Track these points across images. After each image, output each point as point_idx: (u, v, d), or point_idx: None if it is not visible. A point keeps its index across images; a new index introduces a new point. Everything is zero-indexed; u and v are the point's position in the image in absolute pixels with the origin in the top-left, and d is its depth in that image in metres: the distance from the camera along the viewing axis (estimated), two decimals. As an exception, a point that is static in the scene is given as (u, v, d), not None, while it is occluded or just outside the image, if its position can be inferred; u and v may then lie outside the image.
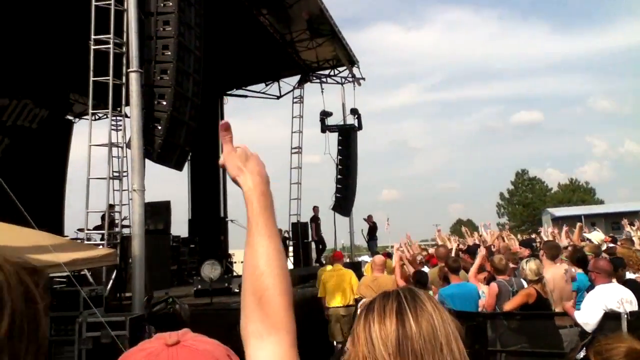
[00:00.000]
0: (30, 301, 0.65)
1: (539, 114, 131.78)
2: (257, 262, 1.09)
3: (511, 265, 6.63)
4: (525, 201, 63.80)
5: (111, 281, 8.91)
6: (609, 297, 5.16)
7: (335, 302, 9.26)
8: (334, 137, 20.09)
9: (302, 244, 18.46)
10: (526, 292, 5.50)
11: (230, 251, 20.57)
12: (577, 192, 62.94)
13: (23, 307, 0.64)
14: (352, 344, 1.12)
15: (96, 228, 10.17)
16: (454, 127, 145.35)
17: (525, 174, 66.87)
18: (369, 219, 19.85)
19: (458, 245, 11.28)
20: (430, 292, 6.50)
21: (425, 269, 8.00)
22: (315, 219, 18.67)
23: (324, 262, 16.83)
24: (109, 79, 8.83)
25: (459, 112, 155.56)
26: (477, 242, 11.67)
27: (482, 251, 6.77)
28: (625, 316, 5.01)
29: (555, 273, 6.29)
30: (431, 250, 9.75)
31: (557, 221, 44.43)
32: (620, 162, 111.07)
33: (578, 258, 6.72)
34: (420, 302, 1.10)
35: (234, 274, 17.63)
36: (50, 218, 15.55)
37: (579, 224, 10.70)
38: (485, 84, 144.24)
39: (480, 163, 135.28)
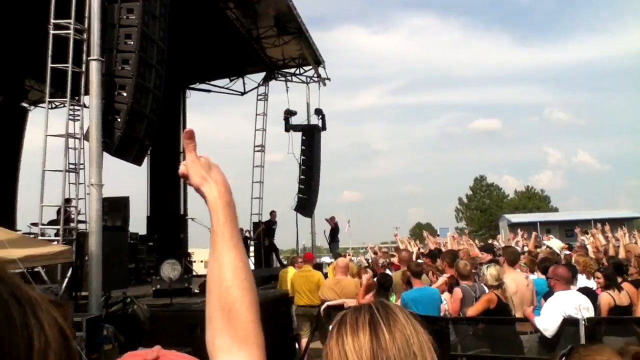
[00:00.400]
0: (64, 338, 0.59)
1: (497, 121, 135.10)
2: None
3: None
4: (483, 207, 65.13)
5: (66, 279, 8.54)
6: (568, 303, 5.24)
7: (303, 301, 9.24)
8: (297, 136, 20.00)
9: (263, 244, 18.24)
10: (487, 298, 5.53)
11: (190, 250, 20.20)
12: (533, 199, 64.63)
13: (60, 348, 0.57)
14: (326, 359, 1.09)
15: (51, 223, 9.75)
16: (415, 131, 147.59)
17: (483, 180, 68.31)
18: (330, 220, 19.81)
19: (419, 249, 11.35)
20: (394, 296, 6.47)
21: (388, 272, 7.98)
22: (271, 224, 18.48)
23: (285, 263, 16.73)
24: (67, 67, 8.46)
25: (421, 117, 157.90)
26: (437, 246, 11.77)
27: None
28: (583, 322, 5.08)
29: (516, 278, 6.35)
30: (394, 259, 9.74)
31: (514, 227, 45.47)
32: (574, 171, 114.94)
33: (544, 266, 6.80)
34: (393, 313, 1.09)
35: (194, 273, 17.32)
36: (1, 210, 14.94)
37: (534, 233, 10.93)
38: (447, 90, 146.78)
39: (440, 168, 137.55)
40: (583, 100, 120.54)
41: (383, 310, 1.09)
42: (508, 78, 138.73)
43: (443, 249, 10.31)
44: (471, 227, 62.43)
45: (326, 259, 23.08)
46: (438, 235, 20.96)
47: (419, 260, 7.73)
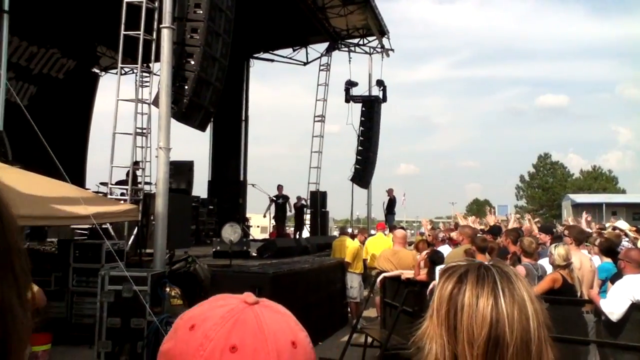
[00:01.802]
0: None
1: (565, 97, 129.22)
2: None
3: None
4: (546, 185, 62.92)
5: (132, 237, 9.00)
6: (637, 287, 5.06)
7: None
8: (357, 107, 19.89)
9: (320, 212, 18.46)
10: (552, 277, 5.41)
11: (248, 215, 20.71)
12: (599, 180, 61.86)
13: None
14: (435, 316, 1.05)
15: (119, 183, 10.24)
16: (477, 105, 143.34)
17: (547, 157, 65.86)
18: (389, 192, 19.77)
19: (481, 224, 11.20)
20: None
21: (446, 248, 7.94)
22: (277, 198, 17.48)
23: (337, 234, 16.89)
24: (139, 34, 8.75)
25: (484, 91, 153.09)
26: (498, 223, 11.57)
27: None
28: (653, 309, 4.92)
29: (582, 259, 6.19)
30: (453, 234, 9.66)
31: (578, 208, 43.89)
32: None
33: (607, 247, 6.59)
34: (512, 276, 1.06)
35: (251, 238, 17.78)
36: (73, 170, 15.73)
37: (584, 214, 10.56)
38: (513, 63, 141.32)
39: (501, 144, 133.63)
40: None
41: (503, 273, 1.06)
42: (579, 52, 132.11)
43: (502, 228, 10.13)
44: (532, 206, 60.68)
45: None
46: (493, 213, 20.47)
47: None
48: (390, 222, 18.87)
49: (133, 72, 9.82)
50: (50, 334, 6.28)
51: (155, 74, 9.47)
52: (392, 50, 19.69)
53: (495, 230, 9.32)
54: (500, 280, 1.04)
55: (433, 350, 1.02)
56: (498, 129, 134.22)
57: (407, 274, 6.66)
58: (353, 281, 10.14)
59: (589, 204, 44.19)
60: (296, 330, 0.77)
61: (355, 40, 20.05)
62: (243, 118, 20.77)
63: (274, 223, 18.26)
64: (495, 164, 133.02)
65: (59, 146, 13.47)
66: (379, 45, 19.56)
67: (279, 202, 16.44)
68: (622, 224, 10.09)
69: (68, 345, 7.36)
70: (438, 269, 1.22)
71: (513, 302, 1.01)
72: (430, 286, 5.96)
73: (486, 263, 1.10)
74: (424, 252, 6.99)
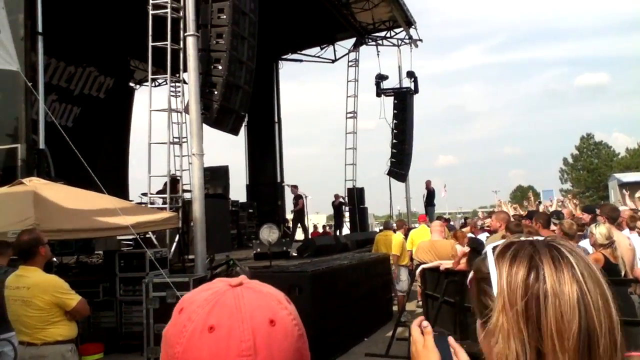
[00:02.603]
0: None
1: (605, 75, 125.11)
2: None
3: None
4: (590, 166, 61.05)
5: (174, 244, 9.19)
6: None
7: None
8: (389, 101, 19.77)
9: (358, 209, 18.42)
10: (594, 257, 5.23)
11: (288, 216, 20.83)
12: (647, 157, 59.68)
13: None
14: (509, 309, 0.90)
15: (158, 192, 10.47)
16: (514, 90, 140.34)
17: (590, 138, 63.89)
18: (428, 184, 19.57)
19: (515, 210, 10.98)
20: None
21: (485, 235, 7.81)
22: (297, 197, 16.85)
23: (380, 228, 16.81)
24: (166, 44, 8.92)
25: (521, 75, 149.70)
26: (541, 208, 11.32)
27: None
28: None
29: (619, 237, 5.98)
30: (488, 220, 9.50)
31: (625, 187, 42.40)
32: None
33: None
34: (587, 259, 0.95)
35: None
36: (116, 183, 16.18)
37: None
38: (549, 45, 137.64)
39: (542, 127, 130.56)
40: None
41: (574, 252, 0.94)
42: (617, 27, 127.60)
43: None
44: (577, 189, 58.97)
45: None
46: (539, 203, 20.05)
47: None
48: (430, 214, 18.69)
49: (165, 83, 10.01)
50: (102, 344, 6.49)
51: (185, 83, 9.64)
52: (420, 40, 19.51)
53: (532, 216, 9.10)
54: (577, 262, 0.92)
55: (512, 348, 0.87)
56: (538, 113, 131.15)
57: (446, 264, 6.57)
58: (401, 274, 10.09)
59: (636, 182, 42.62)
60: (276, 308, 0.78)
61: (383, 34, 19.91)
62: (276, 120, 20.92)
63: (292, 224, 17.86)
64: (537, 148, 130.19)
65: (102, 161, 13.95)
66: (407, 37, 19.39)
67: (300, 200, 16.32)
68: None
69: (119, 353, 7.57)
70: (489, 251, 0.98)
71: (595, 287, 0.90)
72: (470, 275, 5.87)
73: (548, 240, 0.97)
74: (465, 247, 6.88)
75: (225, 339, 0.73)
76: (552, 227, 6.77)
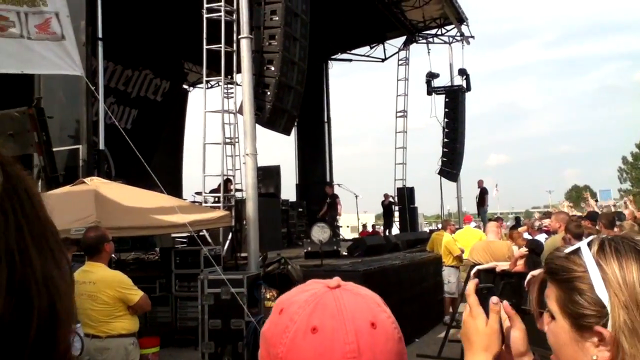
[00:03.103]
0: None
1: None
2: None
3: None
4: (652, 165, 58.51)
5: (227, 242, 9.37)
6: None
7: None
8: (440, 99, 19.51)
9: (408, 209, 18.26)
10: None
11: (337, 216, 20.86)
12: None
13: None
14: (633, 306, 0.87)
15: (212, 192, 10.70)
16: (570, 86, 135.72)
17: (652, 135, 61.16)
18: (480, 184, 19.22)
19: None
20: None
21: (543, 237, 7.59)
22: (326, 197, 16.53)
23: (439, 227, 16.62)
24: (220, 47, 9.10)
25: (576, 71, 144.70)
26: (596, 209, 10.92)
27: None
28: None
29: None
30: (546, 221, 9.24)
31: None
32: None
33: None
34: None
35: (341, 237, 17.90)
36: (170, 182, 16.63)
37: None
38: (606, 39, 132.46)
39: (599, 125, 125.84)
40: None
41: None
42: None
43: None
44: (637, 188, 56.48)
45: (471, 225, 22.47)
46: (596, 201, 19.32)
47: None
48: (482, 214, 18.34)
49: (218, 85, 10.24)
50: (158, 338, 6.67)
51: (238, 84, 9.82)
52: (472, 37, 19.18)
53: (592, 216, 8.79)
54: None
55: None
56: (594, 110, 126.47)
57: (502, 265, 6.43)
58: (450, 275, 9.94)
59: None
60: (376, 311, 0.79)
61: (433, 31, 19.66)
62: (325, 119, 21.00)
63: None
64: (594, 147, 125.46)
65: (158, 161, 14.35)
66: (458, 34, 19.08)
67: (328, 201, 16.01)
68: None
69: (175, 347, 7.77)
70: (584, 248, 0.93)
71: None
72: (529, 277, 5.72)
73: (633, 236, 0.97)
74: (523, 248, 6.71)
75: (329, 340, 0.74)
76: (615, 228, 6.52)
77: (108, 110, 8.61)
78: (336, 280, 0.81)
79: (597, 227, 7.02)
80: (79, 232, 5.35)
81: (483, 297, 1.06)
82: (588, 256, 0.93)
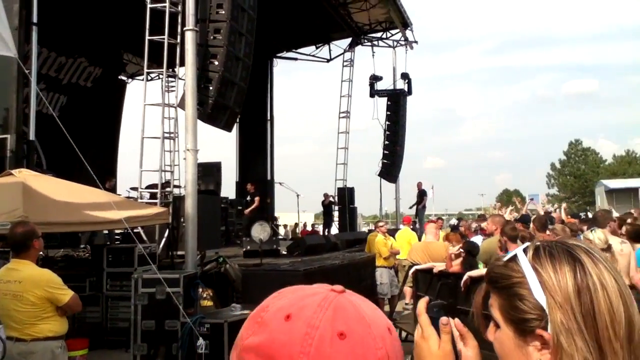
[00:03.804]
0: None
1: (594, 82, 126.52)
2: None
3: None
4: (577, 172, 61.68)
5: (164, 239, 9.09)
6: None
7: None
8: (382, 102, 19.79)
9: (348, 209, 18.41)
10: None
11: (276, 214, 20.77)
12: (634, 164, 60.31)
13: None
14: (566, 307, 0.89)
15: (148, 187, 10.36)
16: (504, 95, 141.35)
17: (579, 144, 64.53)
18: (419, 186, 19.63)
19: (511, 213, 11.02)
20: (481, 265, 6.32)
21: (479, 238, 7.81)
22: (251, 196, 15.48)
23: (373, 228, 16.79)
24: (164, 38, 8.83)
25: (511, 80, 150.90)
26: (528, 212, 11.38)
27: None
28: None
29: (613, 243, 5.98)
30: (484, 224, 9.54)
31: (611, 193, 42.86)
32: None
33: (635, 232, 6.34)
34: (592, 249, 0.97)
35: (281, 236, 17.81)
36: (104, 176, 16.00)
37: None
38: (540, 50, 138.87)
39: (530, 132, 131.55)
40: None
41: (598, 250, 0.96)
42: (607, 35, 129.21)
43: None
44: (564, 194, 59.50)
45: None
46: (531, 200, 20.18)
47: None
48: (420, 216, 18.74)
49: (159, 78, 9.95)
50: (87, 339, 6.39)
51: (180, 78, 9.55)
52: (415, 42, 19.51)
53: (525, 219, 9.15)
54: (604, 257, 0.94)
55: (578, 345, 0.86)
56: (526, 118, 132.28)
57: (439, 266, 6.57)
58: (382, 276, 10.07)
59: (623, 189, 43.09)
60: (386, 317, 0.77)
61: (378, 34, 19.91)
62: (268, 117, 20.84)
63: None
64: (525, 153, 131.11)
65: (90, 154, 13.72)
66: (403, 38, 19.38)
67: (247, 199, 15.18)
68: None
69: (105, 349, 7.48)
70: (521, 255, 0.94)
71: (621, 279, 0.92)
72: (465, 277, 5.86)
73: (568, 241, 0.99)
74: (457, 246, 6.88)
75: (360, 346, 0.69)
76: (547, 231, 6.79)
77: (36, 98, 8.15)
78: (340, 286, 0.77)
79: (529, 230, 7.30)
80: (4, 227, 5.04)
81: (434, 315, 1.03)
82: (525, 262, 0.95)
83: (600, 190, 47.70)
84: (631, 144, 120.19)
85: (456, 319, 1.05)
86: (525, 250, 0.97)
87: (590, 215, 12.76)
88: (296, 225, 24.12)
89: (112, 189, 12.80)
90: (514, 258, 0.98)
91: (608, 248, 5.21)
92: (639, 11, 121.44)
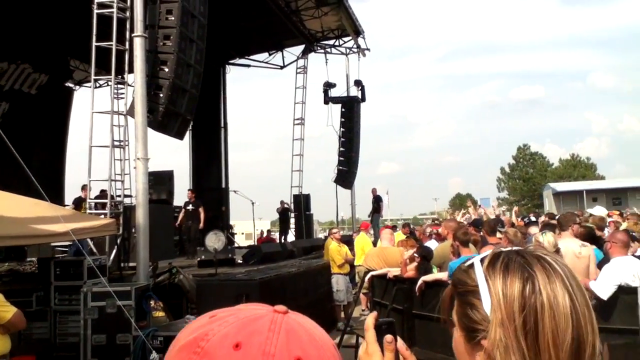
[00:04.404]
0: None
1: (540, 89, 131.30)
2: None
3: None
4: (526, 176, 63.63)
5: (114, 251, 8.83)
6: (625, 270, 5.06)
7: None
8: (336, 108, 19.91)
9: (304, 215, 18.39)
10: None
11: (232, 222, 20.54)
12: (578, 168, 62.74)
13: None
14: (508, 323, 0.88)
15: (97, 198, 10.05)
16: (455, 101, 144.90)
17: (527, 148, 66.62)
18: (374, 191, 19.81)
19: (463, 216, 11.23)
20: (435, 270, 6.41)
21: (434, 243, 7.92)
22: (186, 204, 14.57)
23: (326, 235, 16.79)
24: (112, 45, 8.60)
25: (461, 86, 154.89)
26: (479, 216, 11.62)
27: None
28: (641, 291, 4.91)
29: (569, 245, 6.17)
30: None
31: (559, 196, 44.45)
32: (620, 138, 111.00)
33: (586, 234, 6.57)
34: (549, 261, 0.94)
35: (236, 245, 17.60)
36: (51, 187, 15.46)
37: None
38: (488, 58, 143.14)
39: (480, 138, 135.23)
40: (631, 64, 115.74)
41: (560, 262, 0.94)
42: (553, 43, 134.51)
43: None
44: (513, 197, 61.23)
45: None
46: (480, 207, 20.64)
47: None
48: (376, 221, 18.88)
49: (107, 85, 9.68)
50: (34, 356, 6.13)
51: (130, 85, 9.32)
52: (368, 49, 19.77)
53: (477, 223, 9.34)
54: (564, 272, 0.91)
55: None
56: (476, 123, 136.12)
57: (394, 271, 6.62)
58: (338, 283, 10.09)
59: (569, 191, 44.77)
60: (327, 334, 0.74)
61: (331, 42, 20.08)
62: (222, 125, 20.61)
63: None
64: (475, 158, 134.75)
65: (35, 163, 13.26)
66: (355, 45, 19.59)
67: (188, 208, 14.14)
68: (598, 210, 10.20)
69: (53, 365, 7.18)
70: (477, 264, 0.92)
71: (581, 296, 0.90)
72: (420, 282, 5.92)
73: (533, 250, 0.96)
74: (411, 251, 6.95)
75: None
76: (498, 234, 6.94)
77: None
78: (282, 306, 0.71)
79: (480, 234, 7.44)
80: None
81: (382, 333, 1.01)
82: (479, 271, 0.93)
83: (548, 193, 49.44)
84: (576, 147, 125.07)
85: (400, 341, 1.02)
86: (482, 260, 0.96)
87: (533, 218, 13.16)
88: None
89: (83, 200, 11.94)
90: (472, 266, 0.97)
91: (557, 252, 5.36)
92: (584, 21, 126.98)
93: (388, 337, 1.00)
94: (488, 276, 0.92)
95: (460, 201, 68.37)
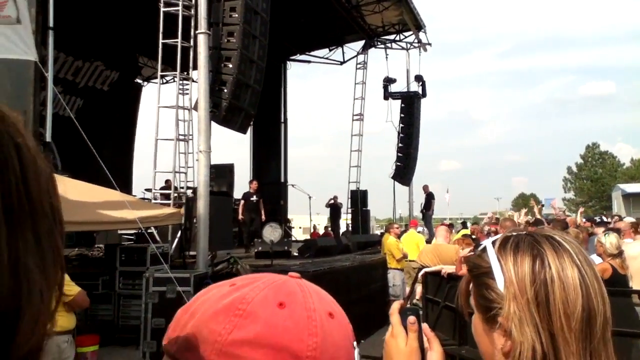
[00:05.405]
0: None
1: (612, 84, 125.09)
2: None
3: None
4: (594, 176, 60.91)
5: (176, 240, 9.21)
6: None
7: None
8: (396, 104, 19.77)
9: (361, 211, 18.43)
10: (601, 267, 5.22)
11: (289, 216, 20.84)
12: (652, 169, 59.53)
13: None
14: (520, 296, 0.94)
15: (162, 189, 10.50)
16: (520, 97, 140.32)
17: (596, 147, 63.77)
18: (425, 189, 19.57)
19: (527, 220, 10.95)
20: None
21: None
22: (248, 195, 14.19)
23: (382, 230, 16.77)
24: (177, 42, 8.96)
25: (526, 82, 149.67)
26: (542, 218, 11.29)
27: None
28: None
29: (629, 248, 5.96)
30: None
31: (629, 198, 42.27)
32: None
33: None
34: (579, 246, 1.01)
35: (293, 238, 17.87)
36: (119, 178, 16.18)
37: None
38: (556, 52, 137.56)
39: (546, 136, 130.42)
40: None
41: (569, 240, 1.00)
42: (625, 36, 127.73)
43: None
44: (580, 198, 58.81)
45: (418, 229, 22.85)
46: (542, 206, 19.99)
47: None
48: (427, 219, 18.65)
49: (174, 80, 10.08)
50: (98, 336, 6.50)
51: (194, 81, 9.67)
52: (429, 44, 19.49)
53: (538, 223, 9.09)
54: (573, 249, 0.98)
55: (527, 333, 0.92)
56: (542, 121, 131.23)
57: (448, 269, 6.58)
58: (395, 278, 10.07)
59: (640, 193, 42.40)
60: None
61: (392, 37, 19.90)
62: (282, 120, 20.94)
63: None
64: (541, 157, 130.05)
65: (106, 155, 13.93)
66: (416, 40, 19.37)
67: (252, 199, 13.70)
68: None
69: (115, 346, 7.59)
70: (489, 245, 0.97)
71: (590, 270, 0.97)
72: (464, 272, 5.86)
73: (543, 231, 1.03)
74: (467, 249, 6.88)
75: (344, 324, 0.75)
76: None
77: (53, 100, 8.31)
78: (295, 273, 0.79)
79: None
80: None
81: (406, 317, 1.07)
82: (492, 253, 1.00)
83: (617, 195, 47.03)
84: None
85: (424, 324, 1.10)
86: (494, 242, 1.03)
87: (605, 219, 12.66)
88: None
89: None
90: (485, 249, 1.03)
91: (620, 254, 5.19)
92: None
93: (411, 318, 1.07)
94: (500, 256, 0.99)
95: (523, 201, 66.33)
